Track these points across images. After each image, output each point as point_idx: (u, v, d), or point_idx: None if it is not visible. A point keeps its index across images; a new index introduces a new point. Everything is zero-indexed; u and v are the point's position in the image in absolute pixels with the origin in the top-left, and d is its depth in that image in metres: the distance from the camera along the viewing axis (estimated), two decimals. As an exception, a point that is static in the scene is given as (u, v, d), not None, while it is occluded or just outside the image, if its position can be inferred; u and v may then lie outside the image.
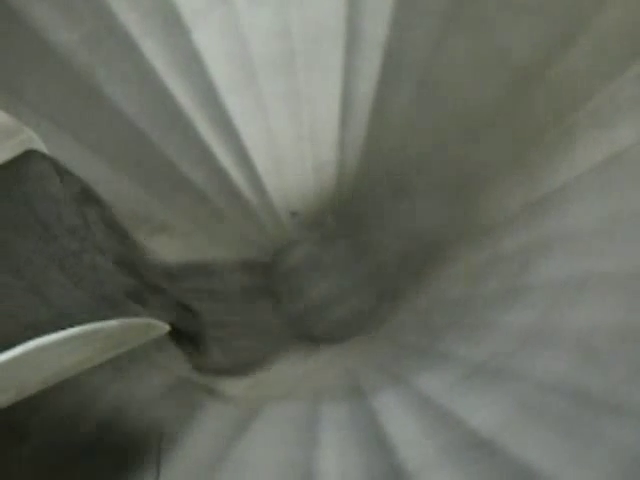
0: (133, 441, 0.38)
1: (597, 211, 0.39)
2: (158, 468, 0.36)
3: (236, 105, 0.48)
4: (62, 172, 0.33)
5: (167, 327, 0.32)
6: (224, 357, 0.43)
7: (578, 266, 0.38)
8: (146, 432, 0.38)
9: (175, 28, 0.45)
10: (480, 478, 0.33)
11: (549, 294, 0.38)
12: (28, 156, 0.32)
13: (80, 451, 0.38)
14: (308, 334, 0.47)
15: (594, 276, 0.37)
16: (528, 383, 0.36)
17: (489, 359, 0.38)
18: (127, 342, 0.31)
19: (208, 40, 0.46)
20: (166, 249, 0.46)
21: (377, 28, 0.46)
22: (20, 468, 0.36)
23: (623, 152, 0.39)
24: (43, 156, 0.33)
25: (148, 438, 0.38)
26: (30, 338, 0.27)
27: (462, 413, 0.36)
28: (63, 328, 0.28)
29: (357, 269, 0.49)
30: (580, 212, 0.40)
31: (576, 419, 0.33)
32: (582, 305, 0.37)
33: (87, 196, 0.35)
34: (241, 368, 0.43)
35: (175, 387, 0.41)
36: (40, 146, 0.31)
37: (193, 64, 0.46)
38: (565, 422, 0.33)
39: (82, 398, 0.39)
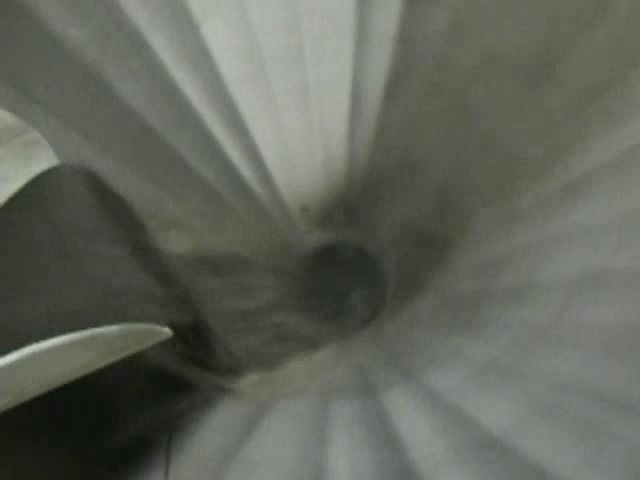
0: (142, 440, 0.38)
1: (612, 207, 0.39)
2: (167, 466, 0.36)
3: (245, 100, 0.47)
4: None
5: (170, 332, 0.32)
6: (241, 360, 0.43)
7: (592, 263, 0.38)
8: (155, 431, 0.38)
9: (184, 23, 0.45)
10: (491, 478, 0.32)
11: (563, 291, 0.38)
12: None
13: (88, 449, 0.38)
14: (317, 331, 0.46)
15: (608, 273, 0.37)
16: (541, 382, 0.35)
17: (502, 357, 0.38)
18: (128, 347, 0.31)
19: (217, 35, 0.46)
20: (175, 245, 0.46)
21: (387, 22, 0.46)
22: (29, 466, 0.37)
23: (638, 147, 0.39)
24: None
25: (157, 436, 0.38)
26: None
27: (474, 412, 0.36)
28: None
29: (367, 265, 0.49)
30: (595, 208, 0.39)
31: (590, 419, 0.32)
32: (596, 302, 0.36)
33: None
34: (259, 368, 0.43)
35: (184, 385, 0.41)
36: (46, 146, 0.31)
37: (202, 59, 0.46)
38: (578, 422, 0.33)
39: (89, 396, 0.39)
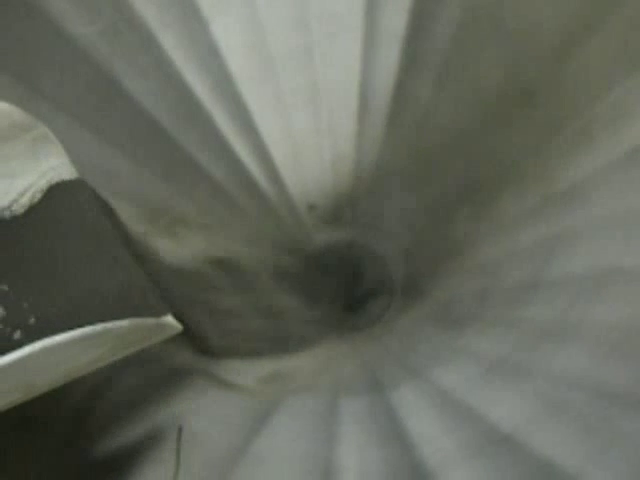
0: (152, 435, 0.38)
1: (617, 206, 0.39)
2: (177, 462, 0.37)
3: (254, 98, 0.48)
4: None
5: (180, 327, 0.32)
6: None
7: (598, 262, 0.38)
8: (165, 426, 0.39)
9: (193, 21, 0.45)
10: (500, 474, 0.33)
11: (569, 290, 0.38)
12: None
13: (98, 445, 0.38)
14: (324, 329, 0.47)
15: (614, 272, 0.37)
16: (548, 379, 0.36)
17: (508, 355, 0.38)
18: (138, 342, 0.31)
19: (226, 32, 0.46)
20: (184, 242, 0.46)
21: (396, 21, 0.46)
22: (35, 464, 0.37)
23: (643, 146, 0.39)
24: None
25: (167, 432, 0.38)
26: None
27: (482, 408, 0.36)
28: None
29: (374, 263, 0.49)
30: (600, 207, 0.39)
31: (595, 416, 0.33)
32: (602, 301, 0.37)
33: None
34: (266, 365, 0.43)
35: (194, 381, 0.41)
36: (54, 141, 0.31)
37: (211, 57, 0.46)
38: (585, 418, 0.33)
39: (95, 393, 0.39)
